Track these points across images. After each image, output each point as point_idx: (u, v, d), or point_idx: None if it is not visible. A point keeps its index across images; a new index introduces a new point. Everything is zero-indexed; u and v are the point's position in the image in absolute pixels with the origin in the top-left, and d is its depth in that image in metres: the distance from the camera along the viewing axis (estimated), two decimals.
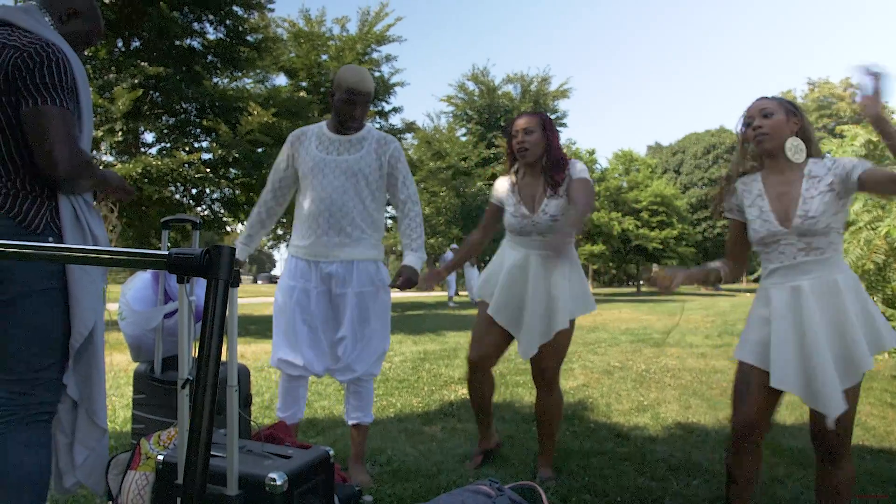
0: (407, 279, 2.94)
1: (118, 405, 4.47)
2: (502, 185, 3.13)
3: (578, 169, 2.96)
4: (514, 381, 5.59)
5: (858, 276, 8.77)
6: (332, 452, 1.96)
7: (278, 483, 1.68)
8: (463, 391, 5.21)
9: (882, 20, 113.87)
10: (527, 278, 2.97)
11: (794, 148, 2.22)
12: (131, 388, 2.78)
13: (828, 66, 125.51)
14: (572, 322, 3.05)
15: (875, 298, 9.12)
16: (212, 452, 1.80)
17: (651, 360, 7.05)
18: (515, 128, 2.98)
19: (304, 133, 3.06)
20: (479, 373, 3.14)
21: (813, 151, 2.25)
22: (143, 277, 2.63)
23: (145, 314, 2.54)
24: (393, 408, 4.62)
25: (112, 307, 3.59)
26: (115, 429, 3.87)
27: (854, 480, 2.25)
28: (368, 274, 2.97)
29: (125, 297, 2.60)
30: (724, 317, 13.95)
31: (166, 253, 0.96)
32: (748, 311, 2.40)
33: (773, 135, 2.21)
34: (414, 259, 2.98)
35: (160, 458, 1.83)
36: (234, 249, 0.97)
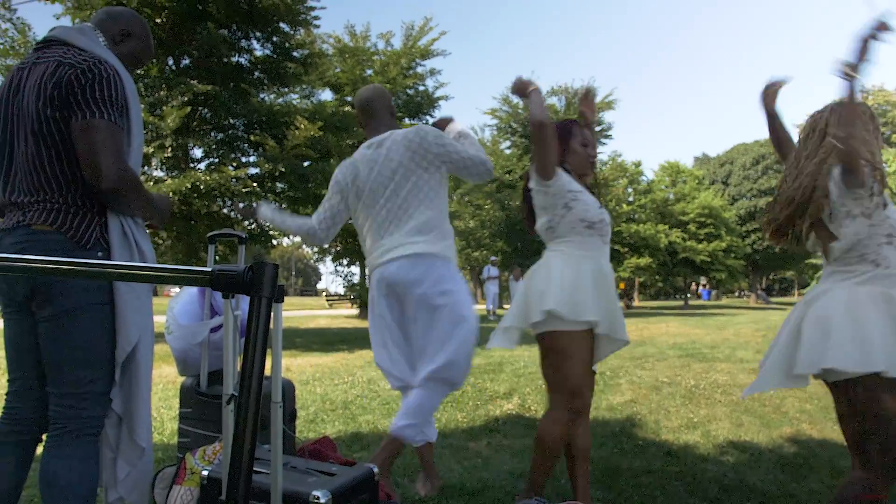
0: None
1: (166, 417, 4.53)
2: (566, 176, 2.67)
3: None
4: (537, 400, 5.50)
5: None
6: (376, 470, 1.93)
7: (322, 501, 1.66)
8: (508, 406, 5.14)
9: None
10: (607, 283, 2.61)
11: None
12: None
13: (882, 73, 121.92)
14: None
15: None
16: (256, 469, 1.79)
17: (700, 376, 6.87)
18: (588, 140, 2.76)
19: (353, 160, 2.97)
20: (585, 417, 2.64)
21: None
22: (190, 292, 2.65)
23: (191, 328, 2.56)
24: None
25: (160, 320, 3.64)
26: (163, 441, 3.91)
27: None
28: (424, 269, 2.84)
29: (172, 312, 2.63)
30: (774, 331, 13.50)
31: (210, 270, 0.95)
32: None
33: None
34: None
35: (205, 473, 1.83)
36: (277, 266, 0.96)
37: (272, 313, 1.69)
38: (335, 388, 5.85)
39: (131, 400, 1.95)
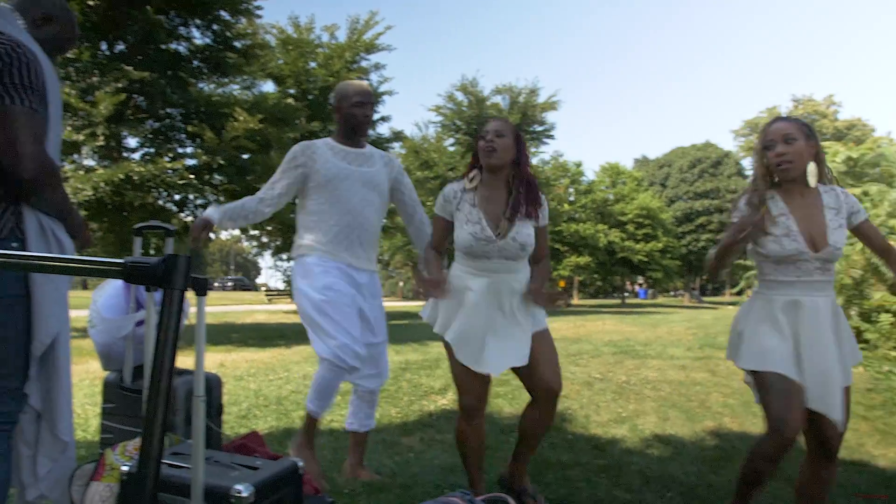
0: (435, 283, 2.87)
1: (91, 414, 4.41)
2: (454, 194, 2.73)
3: (546, 210, 2.78)
4: (493, 391, 5.56)
5: (836, 290, 8.88)
6: (301, 464, 1.94)
7: (244, 495, 1.66)
8: (443, 401, 5.19)
9: (865, 39, 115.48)
10: (492, 310, 2.61)
11: (812, 174, 2.30)
12: None
13: (812, 84, 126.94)
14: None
15: (852, 312, 9.24)
16: (177, 463, 1.78)
17: (632, 372, 7.06)
18: (486, 129, 2.69)
19: (314, 145, 3.07)
20: (475, 416, 2.72)
21: (823, 174, 2.35)
22: (115, 284, 2.60)
23: (116, 322, 2.51)
24: None
25: (82, 314, 3.54)
26: (86, 438, 3.81)
27: (836, 478, 2.46)
28: (378, 285, 3.16)
29: (95, 305, 2.57)
30: (705, 329, 13.99)
31: (122, 261, 0.95)
32: (741, 319, 2.47)
33: (796, 162, 2.27)
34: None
35: (125, 469, 1.80)
36: (191, 258, 0.96)
37: (193, 307, 1.68)
38: (269, 384, 5.80)
39: (51, 394, 1.90)
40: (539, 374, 2.66)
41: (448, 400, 5.25)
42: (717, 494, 3.12)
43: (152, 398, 0.93)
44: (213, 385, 2.74)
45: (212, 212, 2.95)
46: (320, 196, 2.99)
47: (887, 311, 7.83)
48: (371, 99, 3.07)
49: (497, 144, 2.63)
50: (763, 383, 2.27)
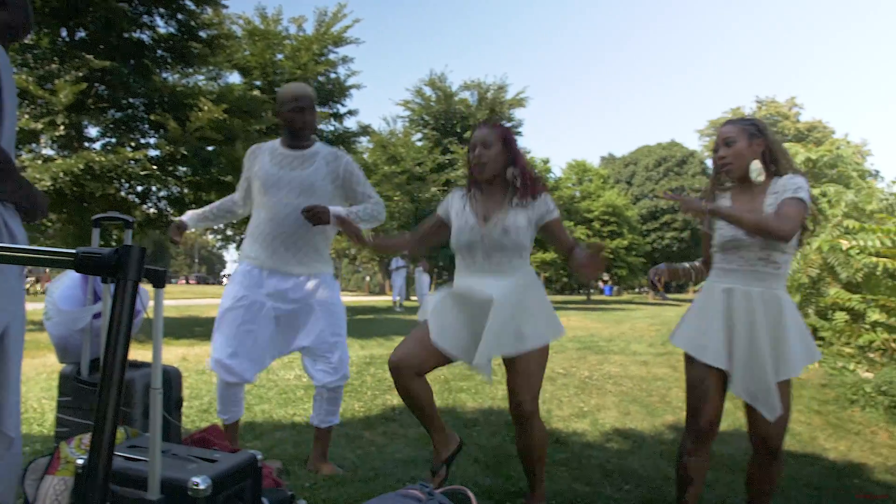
0: (319, 211, 2.91)
1: (48, 408, 4.33)
2: (454, 197, 2.83)
3: (548, 202, 2.74)
4: (457, 386, 5.60)
5: (794, 288, 9.09)
6: (260, 456, 1.93)
7: (202, 487, 1.65)
8: None
9: (828, 43, 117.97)
10: (476, 301, 2.61)
11: (755, 171, 2.40)
12: None
13: (775, 86, 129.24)
14: (544, 349, 2.69)
15: (809, 310, 9.46)
16: (135, 456, 1.76)
17: (594, 367, 7.14)
18: (473, 140, 2.69)
19: (260, 148, 3.18)
20: (400, 378, 2.66)
21: (781, 168, 2.42)
22: (72, 276, 2.55)
23: (72, 314, 2.47)
24: None
25: (39, 307, 3.49)
26: (43, 433, 3.74)
27: (783, 472, 2.56)
28: (328, 285, 3.13)
29: (52, 297, 2.52)
30: (668, 325, 14.20)
31: (74, 252, 0.94)
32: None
33: (735, 163, 2.41)
34: (340, 208, 3.04)
35: (80, 462, 1.78)
36: (145, 249, 0.95)
37: (147, 299, 1.67)
38: None
39: None
40: (511, 393, 2.65)
41: None
42: (672, 486, 3.18)
43: (104, 389, 0.93)
44: (173, 378, 2.72)
45: (186, 217, 3.18)
46: (256, 201, 3.12)
47: (842, 309, 8.03)
48: (308, 103, 3.04)
49: (485, 158, 2.64)
50: (687, 369, 2.46)
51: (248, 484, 1.85)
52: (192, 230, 3.19)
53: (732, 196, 2.50)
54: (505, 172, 2.69)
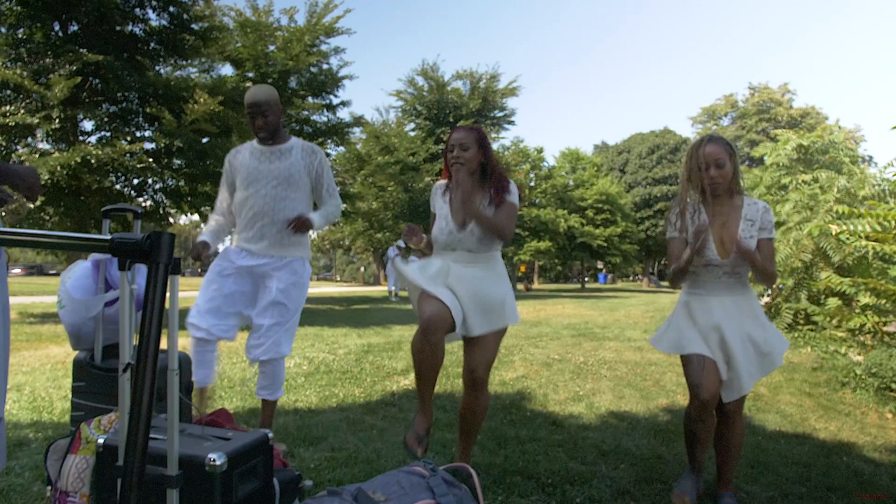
0: (301, 221, 3.25)
1: (56, 396, 4.41)
2: (434, 190, 3.08)
3: (512, 191, 2.93)
4: (454, 372, 5.69)
5: (787, 273, 9.19)
6: (271, 435, 2.02)
7: (218, 463, 1.74)
8: (405, 382, 5.30)
9: (821, 29, 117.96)
10: (448, 278, 2.84)
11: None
12: (70, 381, 2.80)
13: (768, 73, 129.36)
14: (502, 329, 2.91)
15: (800, 294, 9.58)
16: (152, 435, 1.85)
17: (590, 353, 7.25)
18: (451, 141, 2.90)
19: (239, 149, 3.47)
20: (432, 334, 2.68)
21: (741, 186, 2.79)
22: (84, 266, 2.63)
23: (85, 302, 2.55)
24: (335, 398, 4.68)
25: (38, 300, 3.56)
26: (52, 420, 3.83)
27: (744, 435, 2.90)
28: (294, 269, 3.34)
29: (64, 286, 2.60)
30: (662, 312, 14.35)
31: (109, 238, 1.02)
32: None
33: (724, 183, 2.72)
34: (314, 215, 3.34)
35: (100, 441, 1.87)
36: (174, 236, 1.04)
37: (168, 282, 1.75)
38: (233, 367, 5.83)
39: None
40: (468, 363, 2.87)
41: (410, 381, 5.36)
42: (667, 465, 3.30)
43: (141, 367, 1.01)
44: (183, 363, 2.81)
45: (205, 236, 3.41)
46: (239, 195, 3.38)
47: (833, 294, 8.15)
48: (259, 108, 3.24)
49: (462, 159, 2.86)
50: (684, 361, 2.76)
51: (260, 461, 1.95)
52: (213, 248, 3.44)
53: (706, 210, 2.80)
54: (480, 171, 2.93)
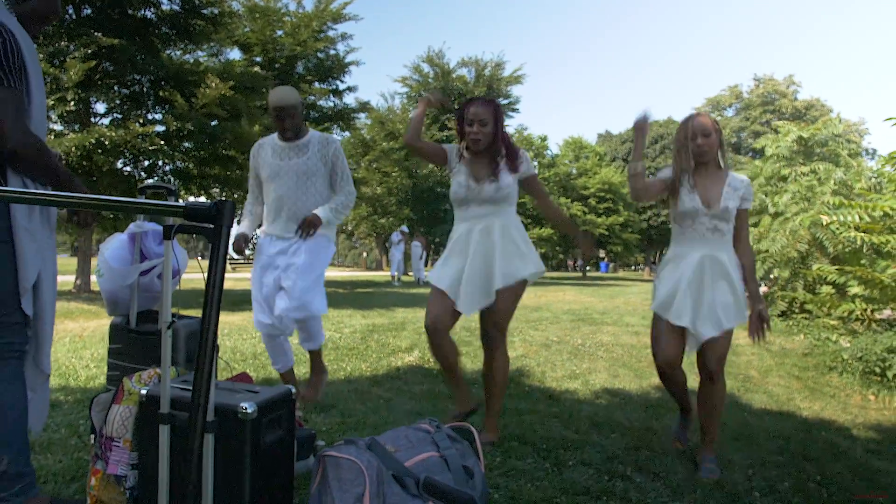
0: (310, 221, 3.56)
1: (79, 366, 4.66)
2: (452, 152, 3.32)
3: (526, 159, 3.31)
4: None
5: (783, 263, 9.38)
6: (294, 390, 2.25)
7: (249, 411, 1.97)
8: (409, 359, 5.53)
9: (827, 20, 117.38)
10: (467, 246, 3.16)
11: (721, 157, 3.06)
12: (88, 352, 3.04)
13: (773, 64, 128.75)
14: (521, 283, 3.20)
15: (797, 284, 9.78)
16: (187, 388, 2.08)
17: (588, 336, 7.49)
18: (471, 116, 3.14)
19: (262, 144, 3.76)
20: (436, 336, 3.18)
21: (726, 158, 3.10)
22: (120, 238, 2.86)
23: (122, 271, 2.78)
24: (343, 371, 4.92)
25: (68, 279, 3.80)
26: (78, 385, 4.08)
27: (724, 396, 3.15)
28: (317, 240, 3.65)
29: (103, 256, 2.83)
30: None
31: (184, 205, 1.24)
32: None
33: (710, 152, 3.01)
34: (321, 210, 3.62)
35: (143, 392, 2.09)
36: (235, 203, 1.26)
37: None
38: (244, 342, 6.08)
39: (36, 331, 2.14)
40: (491, 311, 3.19)
41: (415, 357, 5.60)
42: (656, 436, 3.53)
43: (207, 320, 1.23)
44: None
45: (243, 228, 3.82)
46: (264, 187, 3.74)
47: (827, 283, 8.35)
48: (287, 111, 3.53)
49: (481, 135, 3.16)
50: (654, 323, 3.14)
51: (285, 412, 2.18)
52: (251, 236, 3.89)
53: (695, 175, 3.06)
54: (493, 143, 3.21)
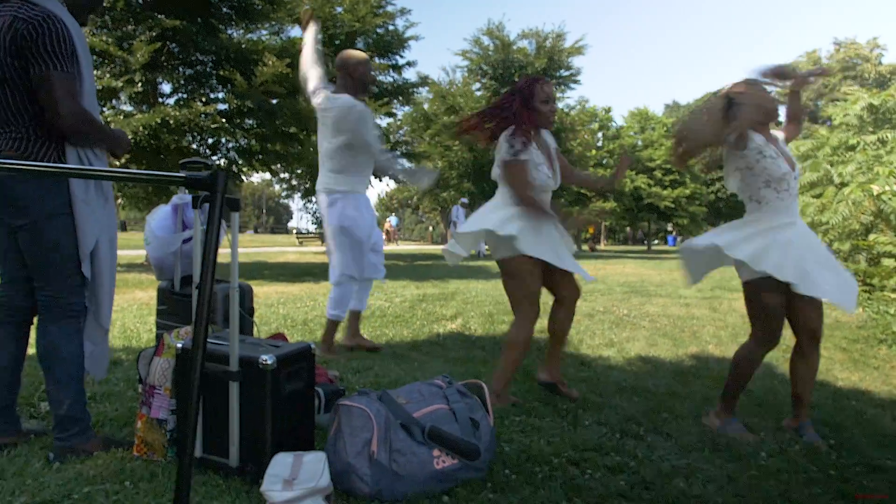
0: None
1: (142, 330, 5.03)
2: (532, 146, 3.35)
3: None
4: (499, 319, 6.08)
5: (845, 235, 9.12)
6: (314, 346, 2.46)
7: (269, 362, 2.18)
8: (452, 326, 5.73)
9: None
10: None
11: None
12: (153, 318, 3.31)
13: (855, 26, 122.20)
14: None
15: (859, 257, 9.51)
16: (219, 342, 2.31)
17: (635, 307, 7.51)
18: (549, 95, 3.33)
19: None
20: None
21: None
22: (165, 209, 3.13)
23: (166, 239, 3.06)
24: (385, 337, 5.15)
25: (125, 253, 4.14)
26: (140, 346, 4.42)
27: (817, 367, 3.24)
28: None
29: (149, 226, 3.12)
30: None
31: (184, 175, 1.43)
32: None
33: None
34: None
35: (179, 346, 2.34)
36: (227, 173, 1.44)
37: (228, 218, 2.18)
38: (297, 310, 6.39)
39: (95, 290, 2.43)
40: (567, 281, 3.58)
41: (457, 325, 5.79)
42: (678, 400, 3.60)
43: (205, 274, 1.42)
44: (245, 291, 3.29)
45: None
46: (357, 145, 4.10)
47: (890, 256, 8.09)
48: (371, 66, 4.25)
49: (555, 112, 3.42)
50: (764, 297, 3.01)
51: (304, 366, 2.39)
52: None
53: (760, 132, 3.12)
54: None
